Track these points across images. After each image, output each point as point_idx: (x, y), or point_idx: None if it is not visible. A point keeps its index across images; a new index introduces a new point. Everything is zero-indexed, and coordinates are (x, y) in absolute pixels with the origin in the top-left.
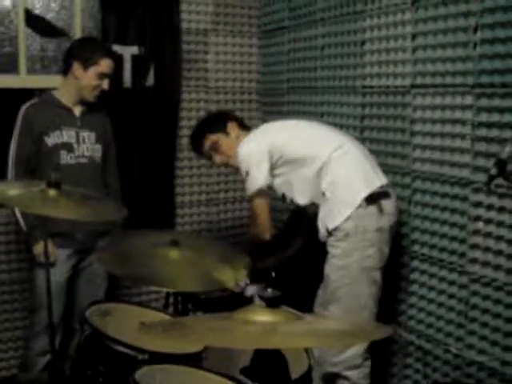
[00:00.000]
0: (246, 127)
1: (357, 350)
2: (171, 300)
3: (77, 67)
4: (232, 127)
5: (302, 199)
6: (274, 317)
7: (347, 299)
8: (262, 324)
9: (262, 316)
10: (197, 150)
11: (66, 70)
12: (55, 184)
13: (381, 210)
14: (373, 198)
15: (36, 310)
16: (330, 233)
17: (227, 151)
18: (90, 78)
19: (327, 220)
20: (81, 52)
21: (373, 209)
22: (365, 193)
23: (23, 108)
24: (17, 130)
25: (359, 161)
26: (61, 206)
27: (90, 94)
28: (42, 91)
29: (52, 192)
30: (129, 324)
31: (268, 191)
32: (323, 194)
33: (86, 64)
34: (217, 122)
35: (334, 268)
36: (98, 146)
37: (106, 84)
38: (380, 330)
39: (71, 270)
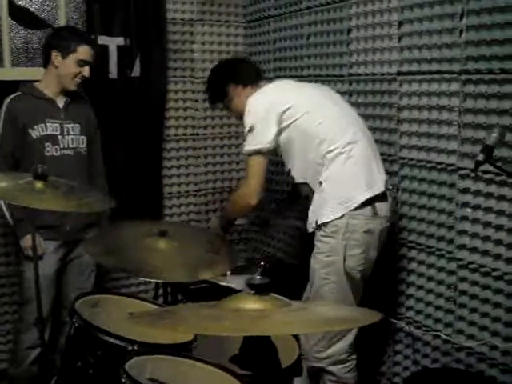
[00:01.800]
0: (260, 79)
1: (341, 345)
2: (161, 291)
3: (55, 56)
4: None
5: (297, 174)
6: (263, 304)
7: (332, 296)
8: (251, 311)
9: (251, 303)
10: (217, 99)
11: (45, 61)
12: (42, 176)
13: (375, 213)
14: (369, 200)
15: (24, 303)
16: (318, 226)
17: (239, 105)
18: (69, 66)
19: (318, 213)
20: (58, 41)
21: (367, 210)
22: (363, 197)
23: (6, 101)
24: (0, 123)
25: (367, 160)
26: (48, 198)
27: (70, 82)
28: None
29: (39, 184)
30: (118, 315)
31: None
32: (320, 183)
33: (65, 52)
34: (241, 72)
35: (321, 264)
36: (83, 138)
37: (86, 71)
38: (368, 316)
39: (59, 262)
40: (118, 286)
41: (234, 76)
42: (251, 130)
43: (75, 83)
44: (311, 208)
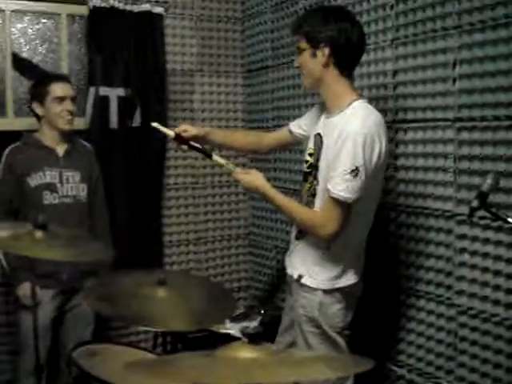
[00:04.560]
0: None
1: None
2: (160, 340)
3: (36, 106)
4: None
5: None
6: (257, 353)
7: (323, 348)
8: (245, 360)
9: (245, 352)
10: (303, 31)
11: (35, 116)
12: (42, 225)
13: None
14: None
15: (21, 352)
16: (299, 282)
17: (309, 70)
18: (50, 109)
19: (307, 271)
20: (33, 92)
21: None
22: (354, 280)
23: (6, 151)
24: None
25: (363, 243)
26: (47, 248)
27: (60, 122)
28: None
29: (39, 233)
30: (116, 365)
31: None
32: (328, 248)
33: (41, 99)
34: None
35: (302, 318)
36: (83, 185)
37: (68, 105)
38: (362, 364)
39: (56, 311)
40: (117, 335)
41: (343, 53)
42: (356, 173)
43: (66, 121)
44: (301, 254)
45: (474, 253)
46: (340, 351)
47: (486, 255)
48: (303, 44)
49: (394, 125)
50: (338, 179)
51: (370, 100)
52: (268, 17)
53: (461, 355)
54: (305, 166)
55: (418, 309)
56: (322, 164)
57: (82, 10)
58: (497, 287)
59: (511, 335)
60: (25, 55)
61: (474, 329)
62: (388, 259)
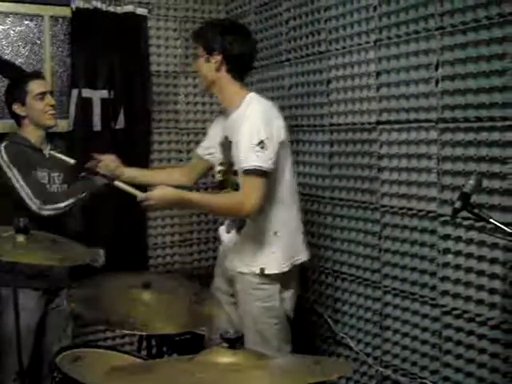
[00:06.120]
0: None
1: None
2: (145, 343)
3: (17, 107)
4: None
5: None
6: (237, 357)
7: (277, 338)
8: (225, 365)
9: (225, 357)
10: (201, 40)
11: (15, 118)
12: (23, 229)
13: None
14: None
15: (4, 355)
16: (263, 274)
17: (203, 73)
18: (33, 107)
19: (265, 261)
20: (12, 94)
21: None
22: (306, 255)
23: (1, 149)
24: (12, 169)
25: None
26: (29, 252)
27: (45, 117)
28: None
29: (20, 238)
30: (100, 369)
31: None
32: (275, 233)
33: (21, 99)
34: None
35: (259, 311)
36: (65, 186)
37: (50, 100)
38: (342, 367)
39: (42, 312)
40: (102, 338)
41: (234, 61)
42: (262, 145)
43: (50, 117)
44: (252, 248)
45: (457, 253)
46: (287, 338)
47: (469, 255)
48: (200, 51)
49: (377, 126)
50: (248, 153)
51: (354, 101)
52: (251, 18)
53: (445, 355)
54: (218, 176)
55: (403, 309)
56: (235, 155)
57: (65, 11)
58: (480, 287)
59: (495, 335)
60: (7, 57)
61: (458, 329)
62: (373, 259)
